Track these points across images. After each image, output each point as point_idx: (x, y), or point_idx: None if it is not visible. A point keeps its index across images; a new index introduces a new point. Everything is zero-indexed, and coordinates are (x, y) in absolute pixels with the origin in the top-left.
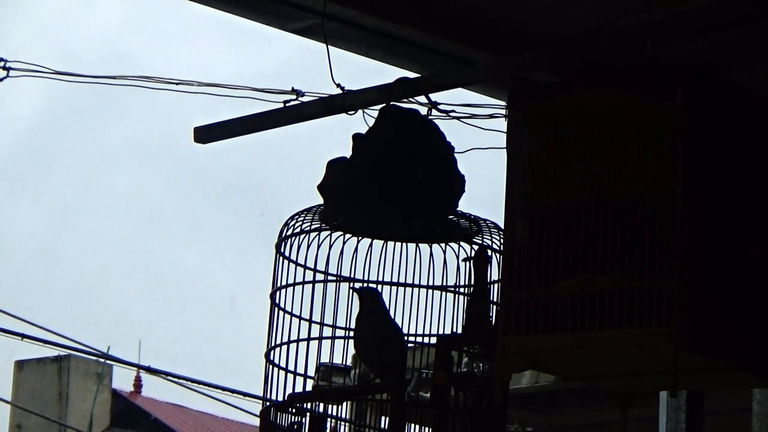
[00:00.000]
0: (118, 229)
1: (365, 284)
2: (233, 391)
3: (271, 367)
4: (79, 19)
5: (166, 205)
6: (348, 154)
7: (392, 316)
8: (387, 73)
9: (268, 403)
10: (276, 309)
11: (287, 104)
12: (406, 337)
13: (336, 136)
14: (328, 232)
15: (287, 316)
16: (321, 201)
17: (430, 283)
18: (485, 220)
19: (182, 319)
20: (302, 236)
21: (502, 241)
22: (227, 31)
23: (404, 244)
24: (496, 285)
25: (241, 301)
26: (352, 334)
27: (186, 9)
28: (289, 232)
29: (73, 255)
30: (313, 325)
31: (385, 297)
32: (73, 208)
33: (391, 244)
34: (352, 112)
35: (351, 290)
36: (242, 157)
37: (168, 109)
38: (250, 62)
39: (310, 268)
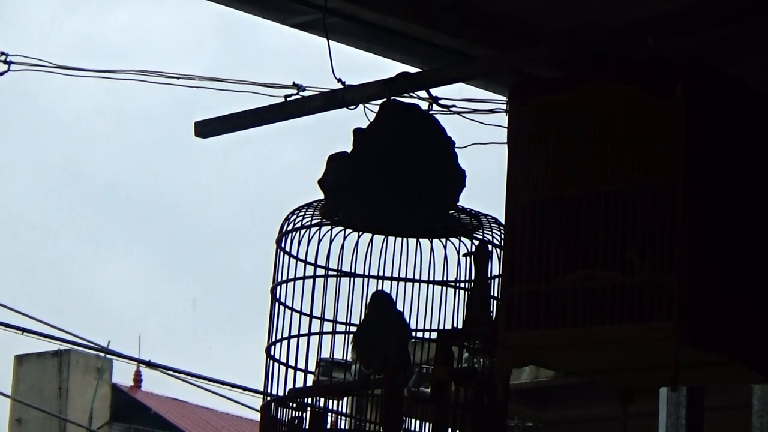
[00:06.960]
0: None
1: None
2: (233, 386)
3: (271, 362)
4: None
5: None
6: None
7: (397, 311)
8: (388, 68)
9: (268, 398)
10: (276, 304)
11: (288, 98)
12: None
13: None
14: (329, 227)
15: (287, 312)
16: (321, 196)
17: (431, 278)
18: (486, 215)
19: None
20: (302, 231)
21: (502, 236)
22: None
23: (405, 239)
24: (496, 280)
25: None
26: (353, 330)
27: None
28: (290, 227)
29: None
30: (313, 320)
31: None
32: None
33: (391, 239)
34: (353, 106)
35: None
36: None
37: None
38: None
39: (310, 263)
